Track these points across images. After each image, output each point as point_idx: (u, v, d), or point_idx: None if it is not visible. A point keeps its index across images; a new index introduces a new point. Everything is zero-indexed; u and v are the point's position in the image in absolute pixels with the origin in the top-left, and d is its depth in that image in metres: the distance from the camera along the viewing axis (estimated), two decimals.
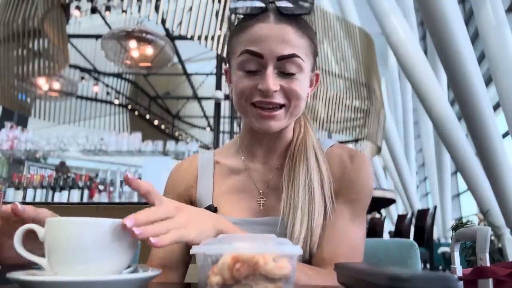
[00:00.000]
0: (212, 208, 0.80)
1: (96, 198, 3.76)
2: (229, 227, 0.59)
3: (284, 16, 0.71)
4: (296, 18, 0.73)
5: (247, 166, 0.83)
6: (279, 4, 0.71)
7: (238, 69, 0.73)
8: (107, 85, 7.76)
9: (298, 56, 0.71)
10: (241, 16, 0.75)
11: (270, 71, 0.70)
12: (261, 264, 0.41)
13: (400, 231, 5.38)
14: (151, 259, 0.79)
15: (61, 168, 4.41)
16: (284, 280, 0.42)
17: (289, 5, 0.71)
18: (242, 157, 0.84)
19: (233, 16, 3.46)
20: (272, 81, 0.69)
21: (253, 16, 0.72)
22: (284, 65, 0.70)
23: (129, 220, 0.46)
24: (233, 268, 0.41)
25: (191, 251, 0.44)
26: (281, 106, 0.72)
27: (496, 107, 4.41)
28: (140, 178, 3.86)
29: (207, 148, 8.35)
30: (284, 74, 0.71)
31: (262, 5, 0.72)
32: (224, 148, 0.91)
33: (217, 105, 5.23)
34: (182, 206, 0.55)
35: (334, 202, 0.74)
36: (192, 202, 0.86)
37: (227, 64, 0.81)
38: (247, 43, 0.71)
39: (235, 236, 0.48)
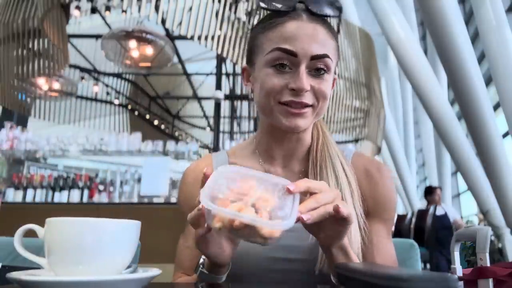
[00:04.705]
0: None
1: (96, 198, 3.76)
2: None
3: (315, 15, 0.71)
4: (325, 18, 0.73)
5: (267, 170, 0.80)
6: (309, 3, 0.71)
7: (267, 67, 0.71)
8: (107, 85, 7.75)
9: (329, 57, 0.70)
10: (266, 14, 0.74)
11: (303, 70, 0.68)
12: (258, 229, 0.48)
13: (400, 231, 5.37)
14: (183, 262, 0.79)
15: None
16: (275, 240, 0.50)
17: (320, 5, 0.71)
18: (260, 160, 0.81)
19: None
20: (306, 80, 0.68)
21: (283, 13, 0.71)
22: (316, 65, 0.70)
23: (304, 215, 0.52)
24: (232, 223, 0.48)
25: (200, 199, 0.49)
26: (308, 105, 0.71)
27: (496, 107, 4.41)
28: (140, 179, 3.82)
29: (207, 148, 8.34)
30: (315, 74, 0.70)
31: (292, 2, 0.71)
32: (237, 148, 0.87)
33: (217, 105, 5.22)
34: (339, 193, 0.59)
35: (366, 220, 0.74)
36: None
37: (249, 63, 0.78)
38: (278, 40, 0.69)
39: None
